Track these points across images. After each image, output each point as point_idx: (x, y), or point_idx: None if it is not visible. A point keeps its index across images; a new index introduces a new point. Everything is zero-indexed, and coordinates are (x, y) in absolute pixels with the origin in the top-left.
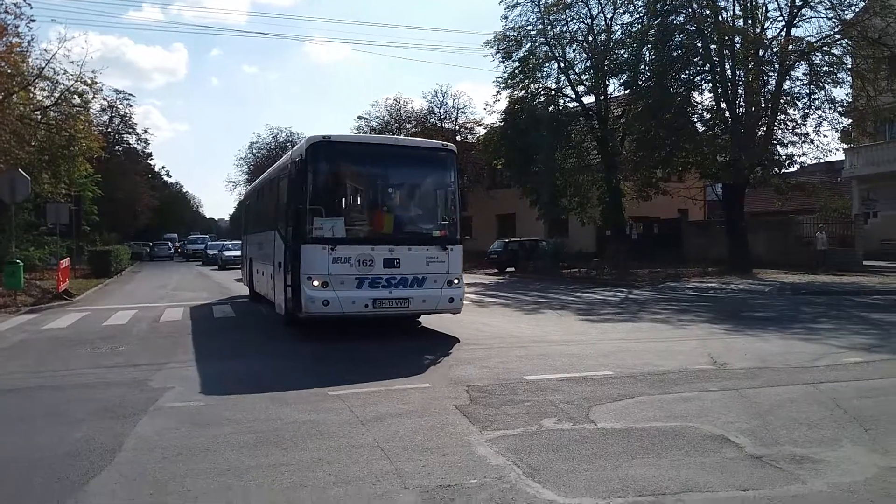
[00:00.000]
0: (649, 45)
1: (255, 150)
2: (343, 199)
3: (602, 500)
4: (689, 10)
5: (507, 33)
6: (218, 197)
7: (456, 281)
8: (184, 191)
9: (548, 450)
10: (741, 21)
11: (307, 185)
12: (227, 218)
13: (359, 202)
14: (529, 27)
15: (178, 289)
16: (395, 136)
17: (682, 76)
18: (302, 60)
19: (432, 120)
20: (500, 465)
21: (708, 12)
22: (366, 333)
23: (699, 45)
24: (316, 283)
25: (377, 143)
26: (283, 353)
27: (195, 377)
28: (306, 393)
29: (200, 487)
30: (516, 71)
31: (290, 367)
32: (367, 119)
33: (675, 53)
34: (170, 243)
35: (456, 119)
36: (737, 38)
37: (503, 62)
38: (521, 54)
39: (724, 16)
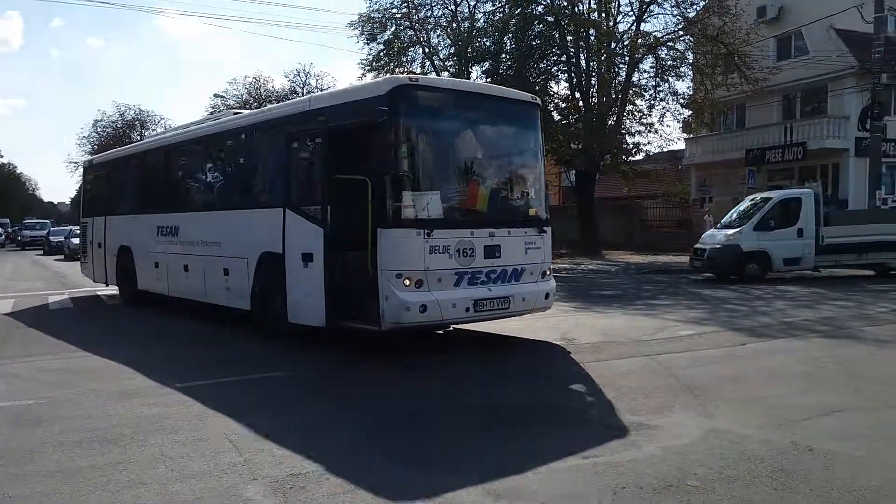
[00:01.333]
0: (510, 35)
1: (99, 129)
2: (428, 167)
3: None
4: (548, 0)
5: (372, 15)
6: (59, 180)
7: (548, 272)
8: (17, 172)
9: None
10: (596, 14)
11: (392, 145)
12: (67, 202)
13: (447, 171)
14: (394, 10)
15: (12, 279)
16: (481, 83)
17: (541, 66)
18: (153, 35)
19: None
20: None
21: (565, 4)
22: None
23: (557, 35)
24: (408, 281)
25: (469, 90)
26: (139, 344)
27: (25, 374)
28: (153, 386)
29: (22, 492)
30: (381, 54)
31: (141, 358)
32: (224, 97)
33: (535, 43)
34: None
35: None
36: (591, 31)
37: (368, 44)
38: (387, 37)
39: (581, 8)
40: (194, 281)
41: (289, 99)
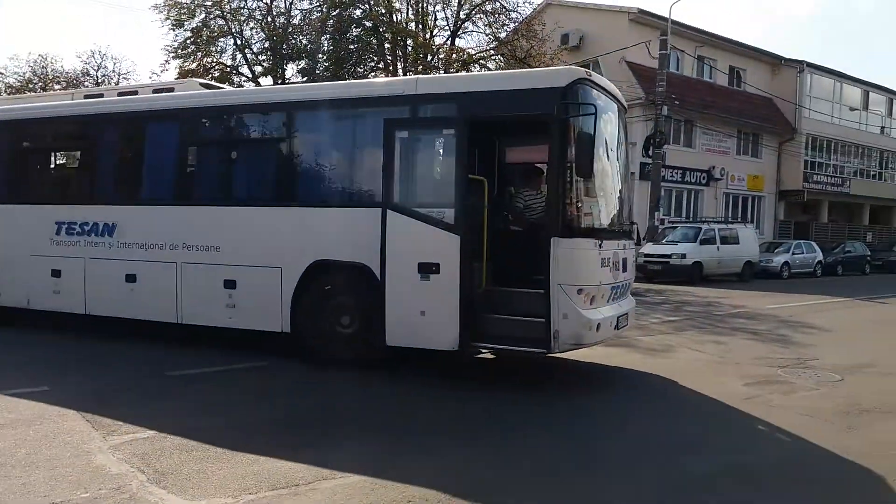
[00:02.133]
0: (328, 35)
1: None
2: (598, 172)
3: (231, 500)
4: (367, 5)
5: (180, 0)
6: None
7: None
8: None
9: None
10: (413, 24)
11: (569, 145)
12: None
13: (606, 178)
14: None
15: None
16: None
17: (359, 70)
18: None
19: (87, 83)
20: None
21: (384, 11)
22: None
23: (374, 42)
24: (586, 297)
25: (618, 95)
26: None
27: None
28: None
29: None
30: (188, 41)
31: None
32: (2, 74)
33: (352, 47)
34: None
35: (117, 84)
36: (409, 41)
37: (173, 30)
38: (195, 24)
39: (399, 17)
40: (146, 295)
41: (80, 81)
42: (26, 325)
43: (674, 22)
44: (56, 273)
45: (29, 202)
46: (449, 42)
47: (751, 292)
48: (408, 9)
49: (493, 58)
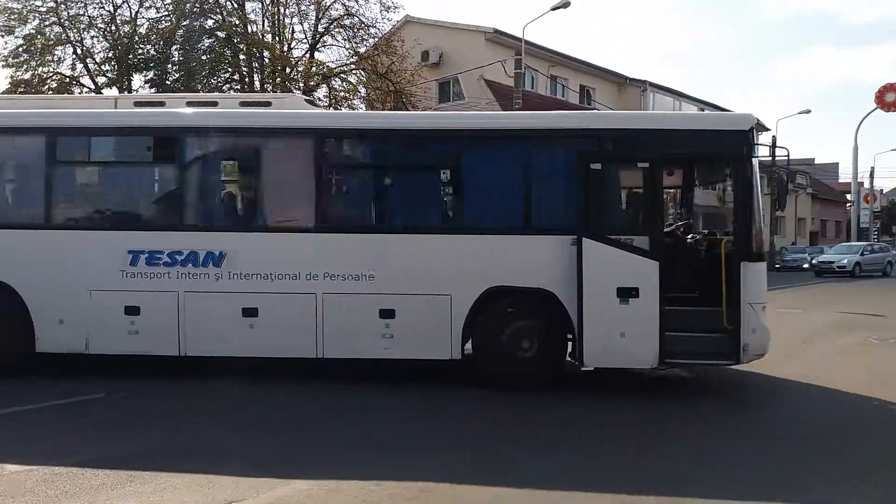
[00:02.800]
0: (177, 45)
1: None
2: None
3: None
4: (220, 16)
5: (10, 4)
6: None
7: None
8: None
9: None
10: (270, 37)
11: (751, 180)
12: None
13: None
14: (38, 2)
15: None
16: None
17: (212, 81)
18: None
19: None
20: None
21: (237, 22)
22: None
23: (229, 53)
24: (764, 313)
25: None
26: None
27: None
28: None
29: None
30: (20, 49)
31: None
32: None
33: (205, 58)
34: None
35: None
36: (265, 52)
37: (3, 37)
38: (27, 31)
39: (254, 28)
40: (273, 329)
41: None
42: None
43: (527, 42)
44: (132, 310)
45: (90, 228)
46: (308, 55)
47: None
48: (263, 20)
49: (353, 72)
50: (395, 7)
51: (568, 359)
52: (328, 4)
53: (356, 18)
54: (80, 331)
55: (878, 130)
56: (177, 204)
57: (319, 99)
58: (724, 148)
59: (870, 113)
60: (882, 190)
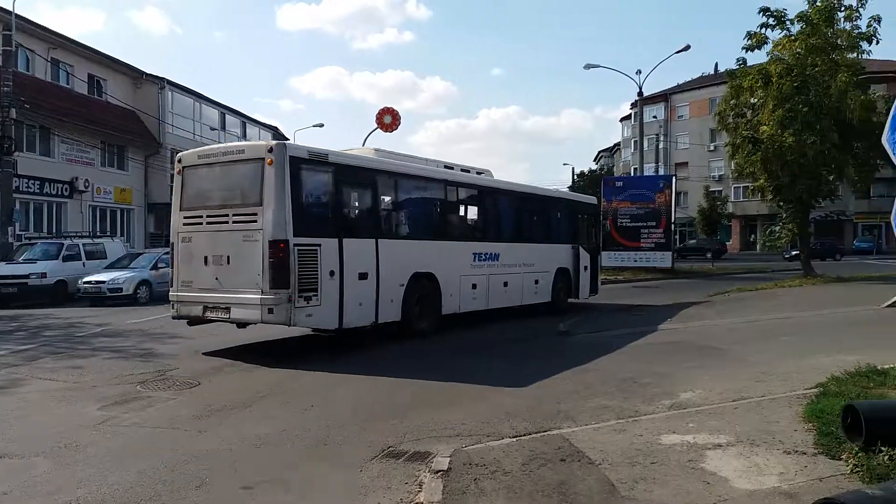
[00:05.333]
0: None
1: None
2: None
3: None
4: None
5: None
6: None
7: None
8: None
9: None
10: None
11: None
12: None
13: None
14: None
15: None
16: None
17: None
18: None
19: None
20: None
21: None
22: None
23: None
24: None
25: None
26: None
27: None
28: None
29: None
30: None
31: None
32: None
33: None
34: None
35: None
36: None
37: None
38: None
39: None
40: (514, 292)
41: None
42: None
43: (21, 18)
44: (474, 286)
45: (461, 240)
46: None
47: (113, 308)
48: None
49: None
50: None
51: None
52: None
53: None
54: (456, 299)
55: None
56: (482, 227)
57: None
58: (591, 210)
59: (372, 131)
60: None
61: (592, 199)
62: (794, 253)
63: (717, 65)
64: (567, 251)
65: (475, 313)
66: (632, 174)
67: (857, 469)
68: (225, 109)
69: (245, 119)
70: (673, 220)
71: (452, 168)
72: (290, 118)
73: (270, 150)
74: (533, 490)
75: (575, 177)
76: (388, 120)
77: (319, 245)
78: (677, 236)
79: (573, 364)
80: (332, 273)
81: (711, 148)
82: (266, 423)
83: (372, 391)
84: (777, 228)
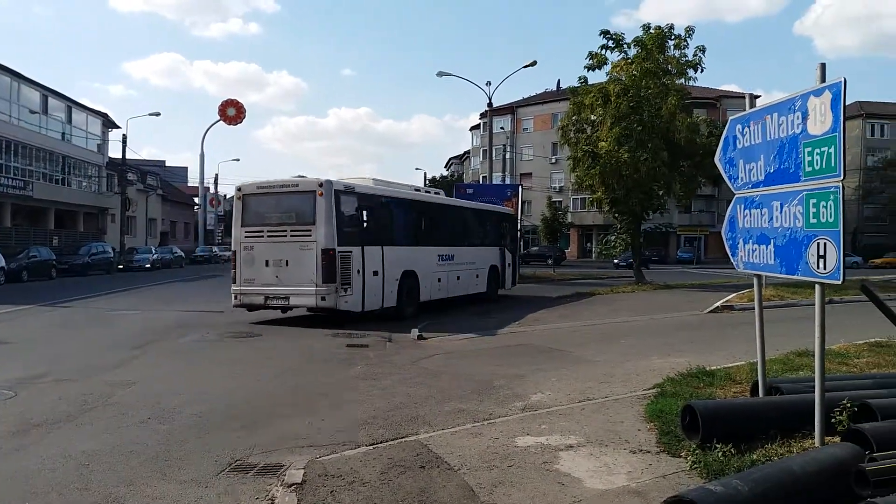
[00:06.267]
0: None
1: None
2: None
3: None
4: None
5: None
6: None
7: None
8: None
9: None
10: None
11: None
12: None
13: None
14: None
15: None
16: None
17: None
18: None
19: None
20: None
21: None
22: None
23: None
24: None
25: None
26: None
27: None
28: None
29: None
30: None
31: None
32: None
33: None
34: None
35: None
36: None
37: None
38: None
39: None
40: (462, 285)
41: None
42: None
43: None
44: (439, 280)
45: (429, 245)
46: None
47: None
48: None
49: None
50: None
51: None
52: None
53: None
54: (428, 290)
55: (223, 139)
56: (443, 235)
57: None
58: (511, 219)
59: (214, 123)
60: (226, 195)
61: (512, 211)
62: (620, 262)
63: (559, 81)
64: (496, 252)
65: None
66: (481, 182)
67: (696, 465)
68: (48, 92)
69: (71, 103)
70: (519, 228)
71: (419, 190)
72: (121, 105)
73: (321, 185)
74: (393, 500)
75: (426, 182)
76: (232, 112)
77: (351, 251)
78: (522, 243)
79: (427, 368)
80: (358, 271)
81: (553, 161)
82: (95, 438)
83: (216, 399)
84: (612, 238)
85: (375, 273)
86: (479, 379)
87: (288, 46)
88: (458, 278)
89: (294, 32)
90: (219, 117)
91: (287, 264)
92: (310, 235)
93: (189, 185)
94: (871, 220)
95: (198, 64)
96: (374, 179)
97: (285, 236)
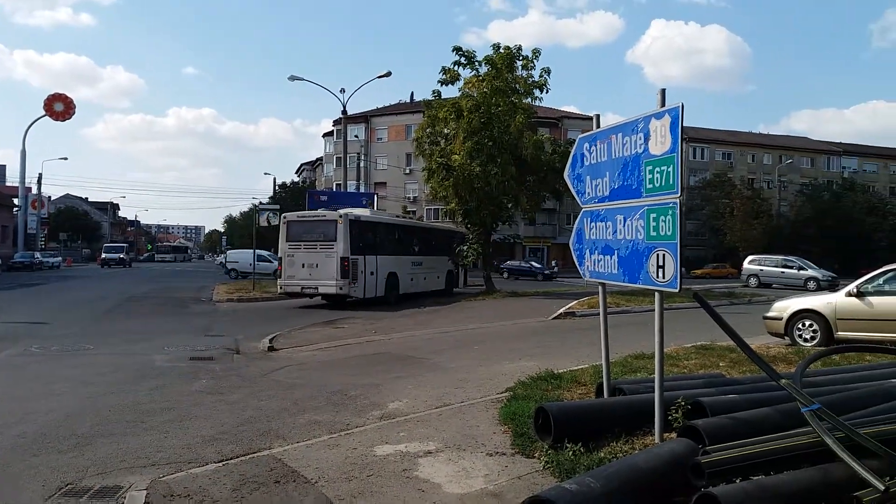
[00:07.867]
0: None
1: None
2: None
3: None
4: None
5: None
6: None
7: None
8: None
9: None
10: None
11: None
12: None
13: None
14: None
15: None
16: None
17: None
18: None
19: None
20: None
21: None
22: None
23: None
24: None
25: None
26: None
27: None
28: None
29: None
30: None
31: None
32: None
33: None
34: None
35: None
36: None
37: None
38: None
39: None
40: (427, 282)
41: None
42: None
43: None
44: (413, 277)
45: (403, 254)
46: None
47: None
48: None
49: None
50: None
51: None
52: None
53: None
54: (405, 286)
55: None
56: (415, 247)
57: None
58: (461, 237)
59: (38, 118)
60: (50, 197)
61: (463, 229)
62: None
63: (412, 94)
64: (451, 261)
65: None
66: (334, 189)
67: (549, 465)
68: None
69: None
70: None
71: (399, 216)
72: None
73: (341, 216)
74: None
75: (277, 187)
76: (60, 108)
77: (358, 259)
78: None
79: (279, 381)
80: (361, 272)
81: (408, 171)
82: None
83: (43, 417)
84: (465, 248)
85: (372, 273)
86: (335, 389)
87: (124, 40)
88: (424, 278)
89: (132, 26)
90: (44, 112)
91: (316, 266)
92: (332, 248)
93: (7, 184)
94: (692, 234)
95: (18, 53)
96: (370, 211)
97: (316, 248)
